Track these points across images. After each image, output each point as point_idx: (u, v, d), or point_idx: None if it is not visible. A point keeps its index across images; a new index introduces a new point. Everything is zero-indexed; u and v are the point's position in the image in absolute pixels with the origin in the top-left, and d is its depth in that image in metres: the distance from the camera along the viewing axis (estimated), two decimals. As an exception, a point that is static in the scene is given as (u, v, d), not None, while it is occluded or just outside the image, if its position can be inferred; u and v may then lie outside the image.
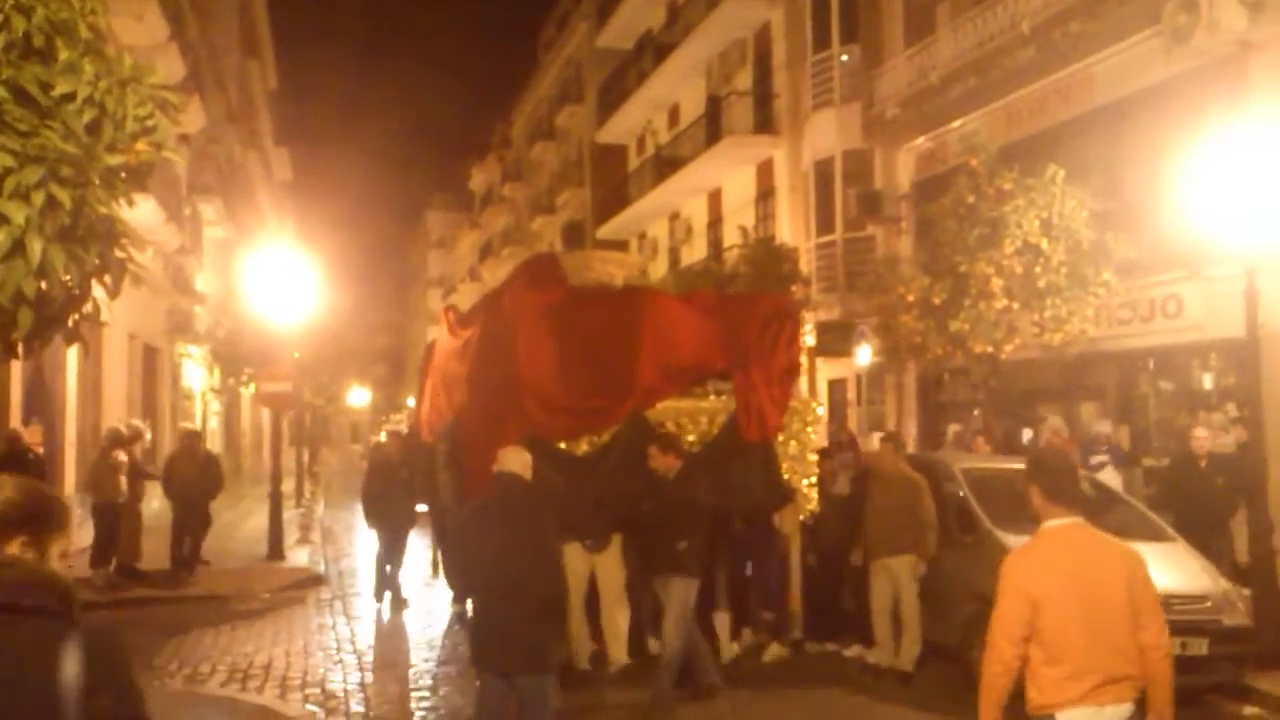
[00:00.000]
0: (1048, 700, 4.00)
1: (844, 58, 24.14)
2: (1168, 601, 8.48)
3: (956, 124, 20.17)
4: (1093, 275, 14.33)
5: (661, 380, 9.65)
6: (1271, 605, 9.55)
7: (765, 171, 28.31)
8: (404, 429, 19.38)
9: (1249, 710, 8.75)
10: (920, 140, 21.69)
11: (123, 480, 14.02)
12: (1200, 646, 8.45)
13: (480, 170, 68.89)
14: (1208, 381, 15.49)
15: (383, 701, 8.91)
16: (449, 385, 11.00)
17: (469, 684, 9.33)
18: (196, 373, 29.44)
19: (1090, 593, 4.02)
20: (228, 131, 32.55)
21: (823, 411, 10.60)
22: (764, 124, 27.96)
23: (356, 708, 8.65)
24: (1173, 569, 9.06)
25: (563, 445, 9.35)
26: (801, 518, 10.23)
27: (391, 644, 11.30)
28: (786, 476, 9.97)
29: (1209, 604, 8.67)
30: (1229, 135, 9.87)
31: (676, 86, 33.65)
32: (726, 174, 29.93)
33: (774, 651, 10.00)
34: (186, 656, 10.35)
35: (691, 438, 9.69)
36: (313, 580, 14.96)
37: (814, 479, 10.30)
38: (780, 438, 9.97)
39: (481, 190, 70.12)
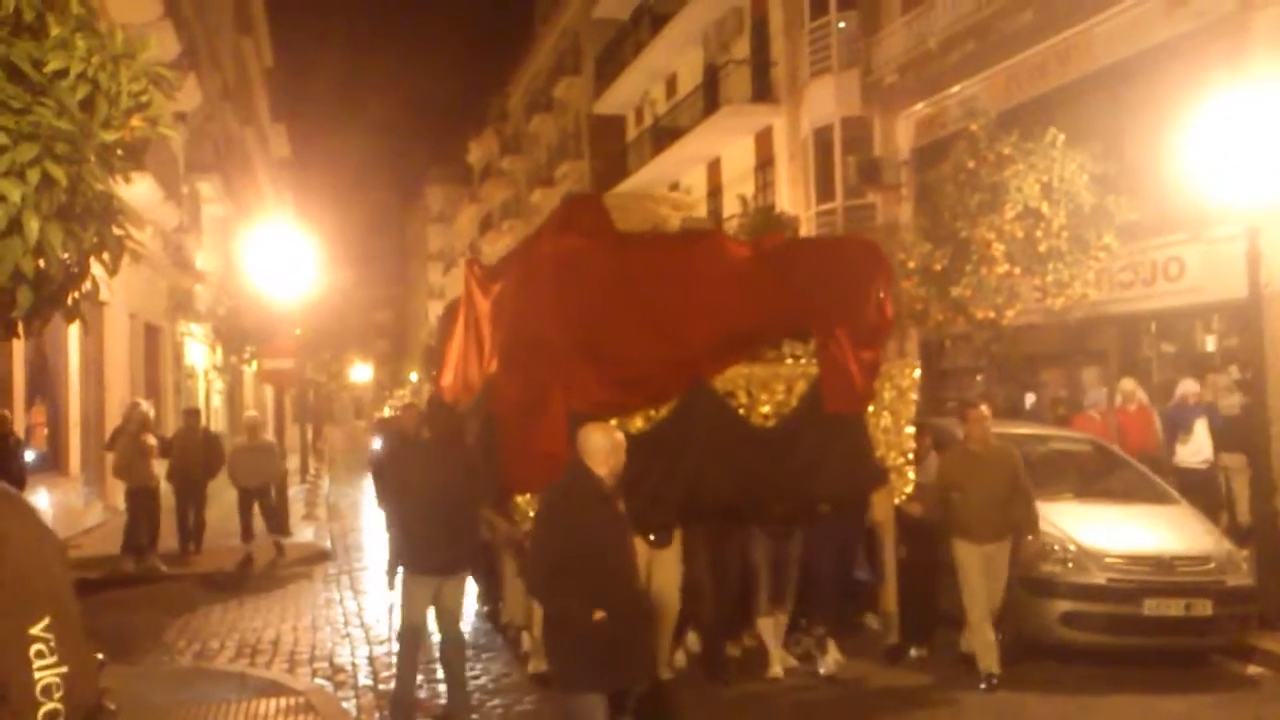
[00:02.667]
0: None
1: (841, 24, 24.00)
2: (1172, 564, 8.60)
3: (955, 89, 20.06)
4: (1094, 239, 14.30)
5: (729, 342, 8.20)
6: (1275, 565, 9.58)
7: (764, 140, 28.18)
8: (410, 402, 19.35)
9: (1253, 669, 8.79)
10: (919, 106, 21.57)
11: (154, 464, 13.85)
12: (1205, 607, 8.47)
13: (478, 144, 68.64)
14: (1210, 344, 15.47)
15: (392, 675, 8.94)
16: (479, 352, 9.45)
17: (477, 655, 9.40)
18: (199, 351, 29.44)
19: None
20: (224, 109, 32.42)
21: (918, 375, 9.12)
22: (762, 92, 27.80)
23: (365, 681, 8.69)
24: (1177, 531, 9.10)
25: (614, 421, 7.51)
26: (897, 502, 8.76)
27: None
28: (879, 454, 8.61)
29: (1212, 565, 8.68)
30: (1230, 96, 9.81)
31: (674, 56, 33.46)
32: (725, 143, 29.80)
33: (833, 660, 8.58)
34: (195, 633, 10.40)
35: (766, 409, 8.27)
36: (319, 556, 15.03)
37: (910, 456, 8.81)
38: (870, 408, 8.59)
39: (480, 164, 69.87)
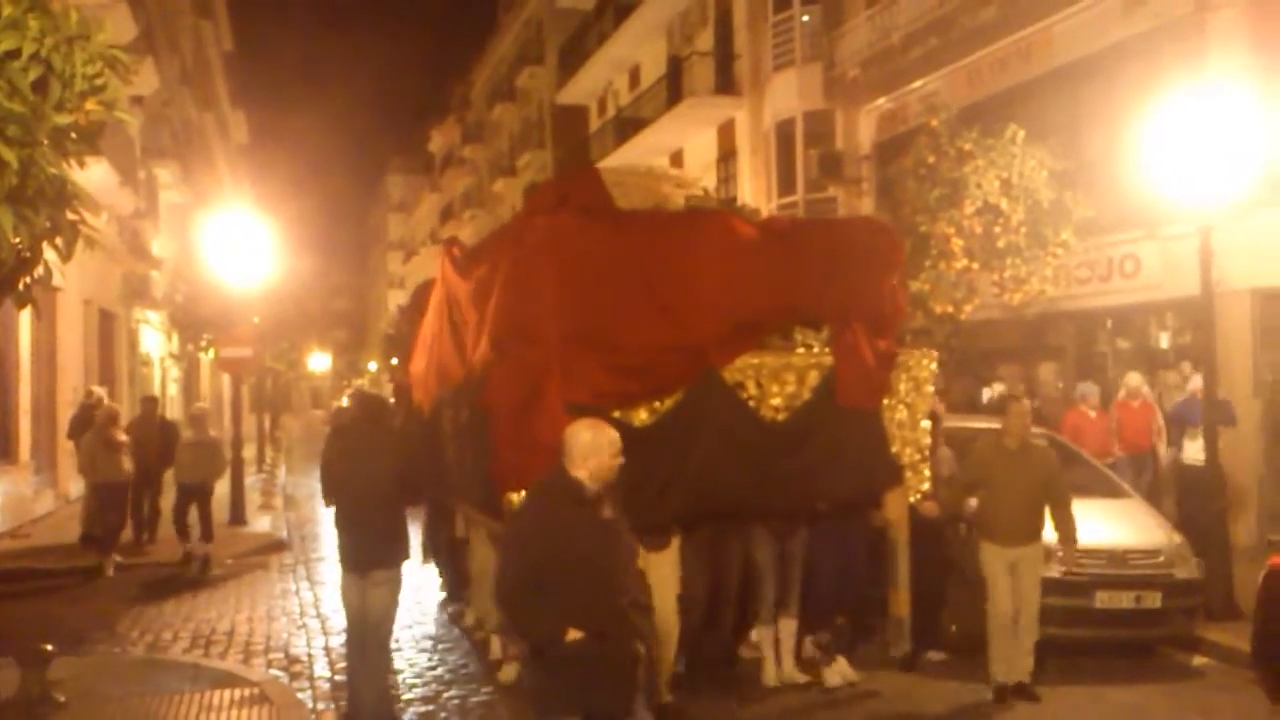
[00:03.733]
0: None
1: (805, 18, 24.08)
2: (1125, 556, 8.71)
3: (917, 84, 20.18)
4: (1052, 235, 14.44)
5: (738, 329, 7.64)
6: (1221, 558, 9.74)
7: (726, 133, 28.23)
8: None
9: (1199, 660, 8.94)
10: (881, 101, 21.69)
11: (125, 460, 13.27)
12: (1154, 599, 8.61)
13: (440, 132, 68.29)
14: (1164, 340, 15.68)
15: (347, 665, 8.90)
16: (458, 337, 8.82)
17: (434, 647, 9.38)
18: (154, 339, 29.11)
19: None
20: (183, 94, 32.01)
21: (936, 366, 8.57)
22: (725, 85, 27.85)
23: (321, 672, 8.64)
24: (1128, 524, 9.23)
25: (617, 414, 7.02)
26: (912, 500, 8.25)
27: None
28: (894, 449, 8.10)
29: (1162, 558, 8.82)
30: (1185, 95, 9.95)
31: (637, 47, 33.43)
32: (688, 135, 29.82)
33: (839, 671, 8.16)
34: (148, 623, 10.30)
35: (777, 401, 7.70)
36: (275, 546, 14.92)
37: (926, 453, 8.30)
38: (886, 401, 8.07)
39: (441, 152, 69.52)
